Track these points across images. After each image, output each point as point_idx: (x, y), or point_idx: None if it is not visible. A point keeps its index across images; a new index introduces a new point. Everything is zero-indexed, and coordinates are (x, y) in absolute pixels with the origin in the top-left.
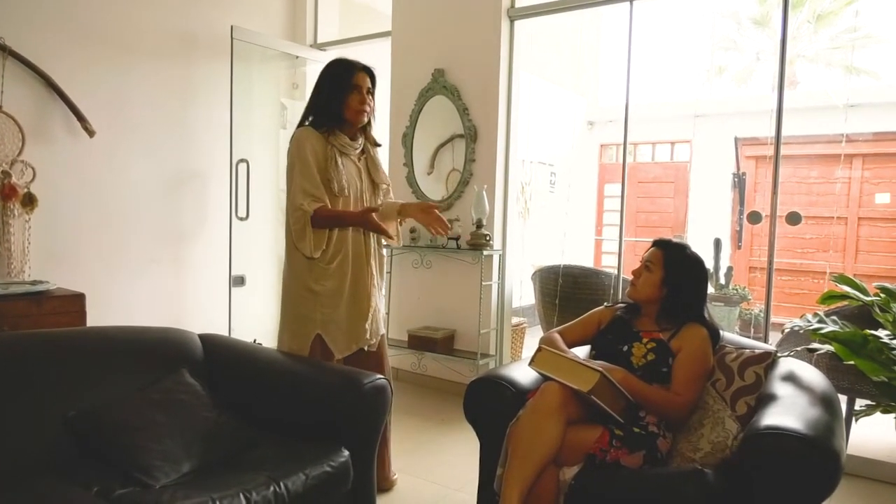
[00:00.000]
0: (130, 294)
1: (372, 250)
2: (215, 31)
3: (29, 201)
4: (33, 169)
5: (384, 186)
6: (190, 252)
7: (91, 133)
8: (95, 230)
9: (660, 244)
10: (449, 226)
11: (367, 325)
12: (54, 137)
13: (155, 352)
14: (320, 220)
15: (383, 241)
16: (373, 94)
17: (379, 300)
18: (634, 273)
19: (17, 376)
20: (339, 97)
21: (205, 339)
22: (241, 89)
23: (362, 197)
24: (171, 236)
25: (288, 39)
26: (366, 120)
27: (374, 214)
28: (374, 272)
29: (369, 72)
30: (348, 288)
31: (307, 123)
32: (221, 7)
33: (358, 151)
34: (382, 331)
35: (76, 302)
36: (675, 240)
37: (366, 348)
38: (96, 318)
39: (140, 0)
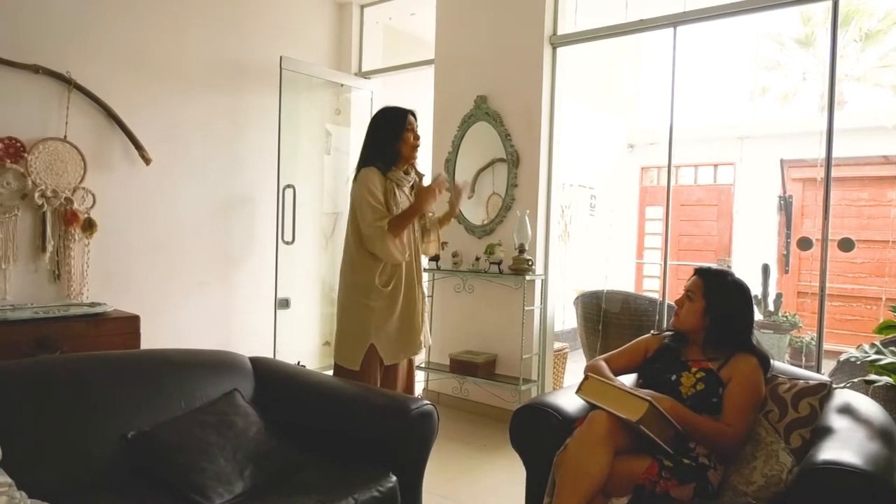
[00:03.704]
0: (180, 315)
1: (420, 276)
2: (265, 61)
3: (89, 226)
4: (93, 195)
5: (429, 215)
6: (237, 275)
7: (148, 161)
8: (149, 254)
9: (700, 272)
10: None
11: (420, 338)
12: (114, 165)
13: (208, 374)
14: (394, 228)
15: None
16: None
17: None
18: (677, 303)
19: (77, 396)
20: (396, 138)
21: (255, 362)
22: (288, 116)
23: (412, 226)
24: (220, 260)
25: (333, 68)
26: (417, 156)
27: (424, 193)
28: (422, 293)
29: (415, 115)
30: (399, 307)
31: (368, 163)
32: (272, 39)
33: (409, 185)
34: (429, 342)
35: (131, 323)
36: (716, 267)
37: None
38: (148, 338)
39: (195, 34)
